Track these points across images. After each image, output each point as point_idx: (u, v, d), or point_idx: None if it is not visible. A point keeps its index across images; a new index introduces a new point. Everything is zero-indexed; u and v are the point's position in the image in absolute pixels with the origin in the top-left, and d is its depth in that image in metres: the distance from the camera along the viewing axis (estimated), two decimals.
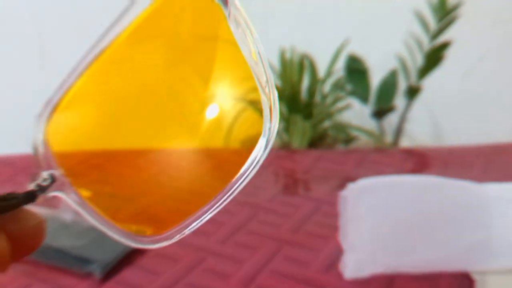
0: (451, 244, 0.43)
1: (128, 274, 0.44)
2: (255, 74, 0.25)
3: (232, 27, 0.25)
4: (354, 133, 1.23)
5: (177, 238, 0.25)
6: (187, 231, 0.25)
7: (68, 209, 0.48)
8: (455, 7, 1.11)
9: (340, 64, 1.18)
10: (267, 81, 0.25)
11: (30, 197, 0.23)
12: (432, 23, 1.14)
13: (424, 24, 1.15)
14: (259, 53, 0.25)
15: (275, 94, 0.25)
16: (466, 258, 0.43)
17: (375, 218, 0.43)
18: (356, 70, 1.17)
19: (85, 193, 0.27)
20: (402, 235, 0.43)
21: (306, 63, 1.17)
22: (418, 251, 0.43)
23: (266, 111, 0.25)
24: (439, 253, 0.43)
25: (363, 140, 1.23)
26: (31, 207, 0.23)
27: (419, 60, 1.19)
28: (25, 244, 0.22)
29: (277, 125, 0.25)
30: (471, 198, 0.43)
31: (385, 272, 0.43)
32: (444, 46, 1.15)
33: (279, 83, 1.14)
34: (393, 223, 0.43)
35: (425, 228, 0.43)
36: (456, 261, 0.43)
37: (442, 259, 0.43)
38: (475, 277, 0.42)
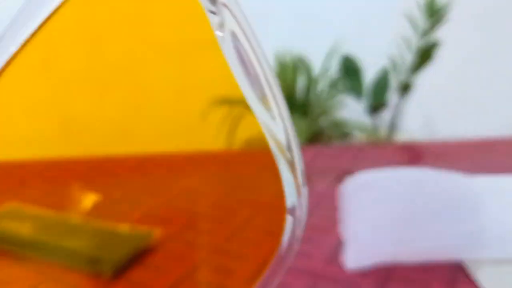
0: (445, 234, 0.42)
1: (136, 272, 0.44)
2: (270, 134, 0.15)
3: (227, 56, 0.15)
4: (350, 129, 1.23)
5: None
6: None
7: (79, 211, 0.48)
8: (443, 8, 1.11)
9: (335, 64, 1.17)
10: (288, 141, 0.15)
11: None
12: (421, 24, 1.14)
13: (414, 24, 1.14)
14: (275, 98, 0.14)
15: (299, 157, 0.14)
16: (459, 248, 0.43)
17: (373, 210, 0.43)
18: (350, 69, 1.17)
19: None
20: (399, 226, 0.43)
21: (301, 64, 1.16)
22: (414, 241, 0.43)
23: (288, 183, 0.15)
24: (434, 243, 0.43)
25: (358, 136, 1.23)
26: None
27: (409, 58, 1.19)
28: None
29: (306, 201, 0.15)
30: (463, 190, 0.43)
31: (385, 262, 0.43)
32: (434, 46, 1.15)
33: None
34: (390, 215, 0.42)
35: (420, 219, 0.43)
36: (450, 250, 0.43)
37: (437, 248, 0.43)
38: (468, 266, 0.42)
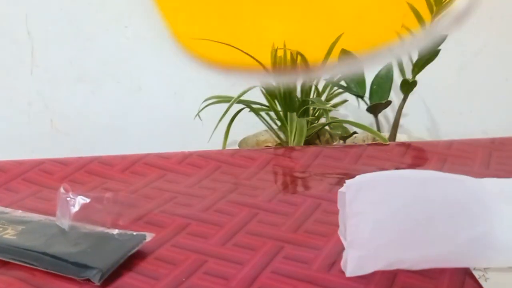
0: (451, 239, 0.42)
1: (127, 279, 0.43)
2: None
3: None
4: (351, 128, 1.23)
5: None
6: None
7: (66, 215, 0.47)
8: (451, 1, 1.10)
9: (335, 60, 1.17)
10: None
11: None
12: (427, 17, 1.14)
13: (419, 18, 1.14)
14: None
15: None
16: (467, 254, 0.42)
17: (374, 214, 0.42)
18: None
19: None
20: (402, 231, 0.42)
21: (299, 61, 1.16)
22: (418, 247, 0.42)
23: None
24: (440, 249, 0.42)
25: (360, 136, 1.23)
26: None
27: (414, 54, 1.19)
28: None
29: None
30: (470, 193, 0.43)
31: (387, 269, 0.43)
32: (442, 40, 1.15)
33: (273, 82, 1.14)
34: (392, 219, 0.42)
35: (424, 224, 0.42)
36: (457, 257, 0.43)
37: (442, 255, 0.43)
38: (476, 273, 0.42)
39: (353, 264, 0.42)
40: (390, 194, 0.42)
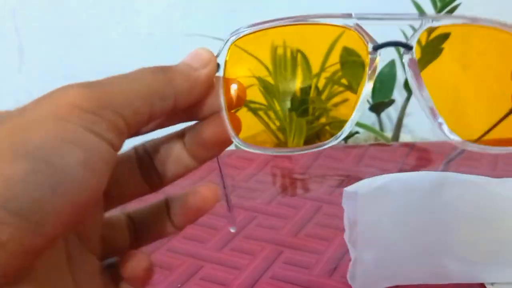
0: (464, 253, 0.41)
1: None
2: None
3: None
4: (353, 128, 1.23)
5: None
6: None
7: None
8: None
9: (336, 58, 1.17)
10: None
11: None
12: (430, 11, 1.14)
13: (421, 12, 1.14)
14: None
15: None
16: (480, 269, 0.41)
17: (386, 224, 0.40)
18: (352, 63, 1.17)
19: None
20: (414, 245, 0.40)
21: (299, 58, 1.16)
22: (431, 260, 0.41)
23: None
24: (455, 262, 0.41)
25: (362, 135, 1.23)
26: None
27: (418, 51, 1.18)
28: None
29: None
30: (488, 198, 0.41)
31: (396, 284, 0.42)
32: (444, 37, 1.15)
33: (271, 80, 1.14)
34: (404, 229, 0.40)
35: (437, 233, 0.41)
36: (470, 271, 0.41)
37: (457, 270, 0.41)
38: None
39: (361, 278, 0.40)
40: (402, 200, 0.40)
